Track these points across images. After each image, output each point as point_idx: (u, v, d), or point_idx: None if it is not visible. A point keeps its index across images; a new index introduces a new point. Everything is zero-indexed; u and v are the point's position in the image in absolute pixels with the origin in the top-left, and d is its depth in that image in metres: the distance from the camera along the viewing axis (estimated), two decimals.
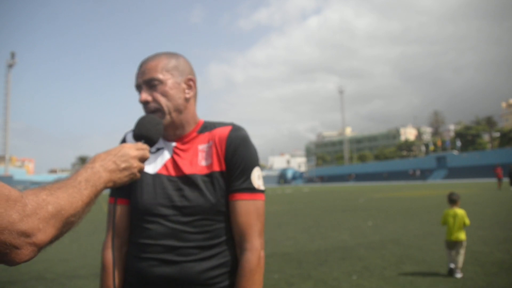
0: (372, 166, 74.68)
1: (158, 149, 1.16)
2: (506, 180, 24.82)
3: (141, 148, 1.04)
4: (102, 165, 0.92)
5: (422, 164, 62.66)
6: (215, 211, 1.13)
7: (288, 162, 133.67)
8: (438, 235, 7.00)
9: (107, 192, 1.11)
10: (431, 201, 15.55)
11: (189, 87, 1.22)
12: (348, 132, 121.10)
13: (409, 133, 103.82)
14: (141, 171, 1.03)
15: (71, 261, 6.02)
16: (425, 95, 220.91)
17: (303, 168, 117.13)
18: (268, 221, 8.60)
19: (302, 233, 8.35)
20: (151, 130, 1.09)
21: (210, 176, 1.15)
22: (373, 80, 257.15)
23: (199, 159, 1.18)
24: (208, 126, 1.24)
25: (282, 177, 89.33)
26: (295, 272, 4.92)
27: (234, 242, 1.18)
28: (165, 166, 1.20)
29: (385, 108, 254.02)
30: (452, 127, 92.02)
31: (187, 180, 1.15)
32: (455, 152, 59.55)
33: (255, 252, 1.12)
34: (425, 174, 58.55)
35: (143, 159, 1.04)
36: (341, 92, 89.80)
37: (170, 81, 1.17)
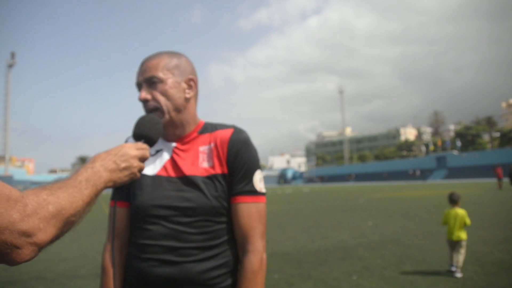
0: (372, 166, 74.66)
1: (157, 151, 1.15)
2: (506, 180, 24.83)
3: (141, 147, 1.03)
4: (103, 164, 0.92)
5: (422, 164, 62.66)
6: (216, 213, 1.13)
7: (288, 162, 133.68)
8: (438, 235, 7.00)
9: (107, 192, 1.11)
10: (431, 201, 15.55)
11: (190, 87, 1.21)
12: (348, 132, 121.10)
13: (409, 133, 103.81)
14: (141, 170, 1.03)
15: (71, 261, 6.02)
16: (425, 95, 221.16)
17: (303, 168, 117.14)
18: (268, 221, 8.60)
19: (302, 233, 8.36)
20: (151, 130, 1.09)
21: (211, 178, 1.15)
22: (373, 80, 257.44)
23: (200, 161, 1.17)
24: (208, 127, 1.24)
25: (282, 177, 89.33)
26: (295, 272, 4.92)
27: (234, 243, 1.18)
28: (164, 167, 1.19)
29: (385, 108, 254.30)
30: (452, 127, 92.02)
31: (188, 181, 1.15)
32: (455, 152, 59.56)
33: (257, 254, 1.13)
34: (425, 174, 58.54)
35: (143, 159, 1.04)
36: (341, 92, 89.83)
37: (171, 80, 1.16)
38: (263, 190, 1.20)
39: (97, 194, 0.87)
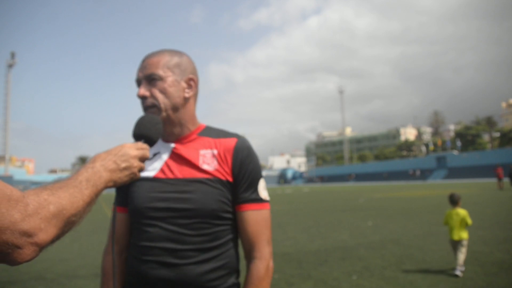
0: (372, 166, 74.66)
1: (154, 154, 1.15)
2: (506, 180, 24.81)
3: (141, 147, 1.03)
4: (103, 164, 0.92)
5: (422, 164, 62.67)
6: (215, 215, 1.13)
7: (288, 162, 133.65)
8: (438, 235, 7.01)
9: (107, 192, 1.11)
10: (431, 201, 15.56)
11: (189, 86, 1.20)
12: (348, 132, 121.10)
13: (409, 133, 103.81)
14: (141, 170, 1.03)
15: (71, 261, 6.03)
16: (425, 95, 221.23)
17: (303, 168, 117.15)
18: None
19: (302, 233, 8.36)
20: (151, 130, 1.09)
21: (212, 180, 1.14)
22: (373, 80, 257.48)
23: (200, 163, 1.17)
24: (210, 132, 1.24)
25: (282, 177, 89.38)
26: (295, 272, 4.92)
27: (233, 244, 1.18)
28: (163, 168, 1.18)
29: (385, 108, 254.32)
30: (452, 127, 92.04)
31: (187, 183, 1.14)
32: (455, 152, 59.57)
33: (264, 261, 1.14)
34: (425, 174, 58.55)
35: (143, 159, 1.03)
36: (341, 92, 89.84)
37: (170, 78, 1.16)
38: (268, 198, 1.22)
39: (97, 194, 0.87)
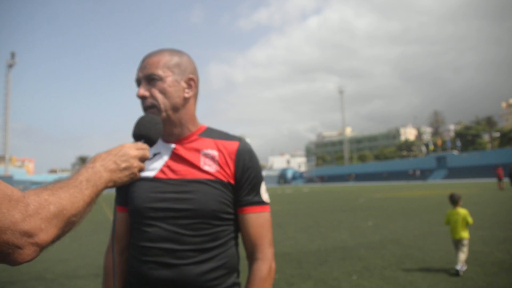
0: (372, 166, 74.67)
1: (154, 155, 1.15)
2: (506, 180, 24.81)
3: (141, 147, 1.03)
4: (103, 164, 0.92)
5: (422, 164, 62.68)
6: (214, 216, 1.13)
7: (288, 162, 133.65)
8: (438, 235, 7.01)
9: (107, 192, 1.11)
10: (431, 201, 15.56)
11: (189, 86, 1.20)
12: (348, 132, 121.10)
13: (409, 133, 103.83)
14: (141, 170, 1.03)
15: (71, 261, 6.03)
16: (425, 95, 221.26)
17: (303, 168, 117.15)
18: None
19: (302, 233, 8.36)
20: (151, 130, 1.09)
21: (213, 181, 1.14)
22: (373, 80, 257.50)
23: (201, 164, 1.16)
24: (211, 133, 1.23)
25: (282, 177, 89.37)
26: (295, 272, 4.92)
27: (233, 244, 1.19)
28: (163, 169, 1.18)
29: (385, 108, 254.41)
30: (452, 127, 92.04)
31: (187, 183, 1.14)
32: (455, 152, 59.58)
33: (267, 262, 1.15)
34: (425, 174, 58.55)
35: (143, 159, 1.04)
36: (341, 92, 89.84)
37: (170, 78, 1.15)
38: (269, 200, 1.23)
39: (97, 194, 0.87)
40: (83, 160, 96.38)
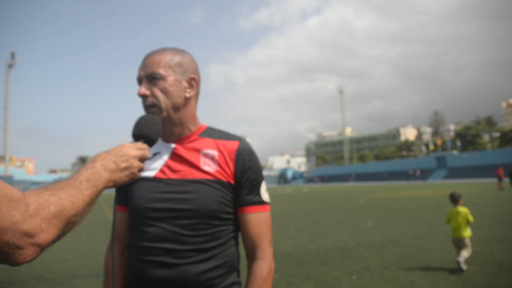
0: (372, 166, 74.68)
1: (154, 154, 1.15)
2: (506, 180, 24.81)
3: (140, 147, 1.03)
4: (103, 164, 0.92)
5: (422, 164, 62.68)
6: (214, 216, 1.13)
7: (288, 162, 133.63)
8: (438, 235, 7.01)
9: (107, 192, 1.11)
10: (431, 201, 15.56)
11: (191, 86, 1.19)
12: (348, 132, 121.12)
13: (409, 133, 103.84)
14: (141, 170, 1.03)
15: (71, 261, 6.03)
16: (425, 95, 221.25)
17: (303, 168, 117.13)
18: None
19: (302, 233, 8.36)
20: (151, 130, 1.09)
21: (213, 181, 1.14)
22: (373, 80, 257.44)
23: (201, 164, 1.16)
24: (211, 133, 1.23)
25: (282, 177, 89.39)
26: (295, 272, 4.92)
27: (233, 243, 1.19)
28: (163, 168, 1.18)
29: (385, 108, 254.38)
30: (452, 127, 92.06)
31: (187, 183, 1.14)
32: (455, 152, 59.58)
33: (267, 261, 1.16)
34: (425, 174, 58.55)
35: (143, 159, 1.04)
36: (341, 92, 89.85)
37: (171, 78, 1.15)
38: (269, 200, 1.23)
39: (97, 194, 0.87)
40: (83, 160, 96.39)
